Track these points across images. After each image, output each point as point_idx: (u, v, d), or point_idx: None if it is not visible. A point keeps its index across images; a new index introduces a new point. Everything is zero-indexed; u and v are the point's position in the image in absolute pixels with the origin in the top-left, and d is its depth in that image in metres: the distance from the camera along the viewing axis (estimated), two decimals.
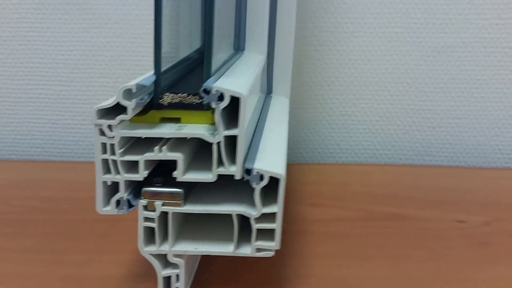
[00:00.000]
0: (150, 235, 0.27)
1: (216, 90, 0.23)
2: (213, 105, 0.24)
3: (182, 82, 0.28)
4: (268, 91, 0.43)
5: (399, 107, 0.54)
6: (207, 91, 0.23)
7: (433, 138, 0.55)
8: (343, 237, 0.36)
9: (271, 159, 0.26)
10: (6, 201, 0.43)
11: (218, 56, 0.28)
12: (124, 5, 0.51)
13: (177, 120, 0.26)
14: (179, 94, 0.25)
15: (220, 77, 0.26)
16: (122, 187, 0.26)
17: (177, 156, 0.25)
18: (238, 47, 0.39)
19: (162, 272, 0.27)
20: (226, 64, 0.31)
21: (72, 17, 0.52)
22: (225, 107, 0.24)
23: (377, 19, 0.51)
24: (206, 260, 0.32)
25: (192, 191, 0.27)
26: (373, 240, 0.36)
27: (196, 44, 0.37)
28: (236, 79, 0.26)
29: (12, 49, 0.53)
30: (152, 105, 0.26)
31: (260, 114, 0.35)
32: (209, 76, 0.25)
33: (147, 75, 0.25)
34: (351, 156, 0.56)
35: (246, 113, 0.24)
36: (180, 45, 0.33)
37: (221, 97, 0.23)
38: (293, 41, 0.43)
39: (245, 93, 0.23)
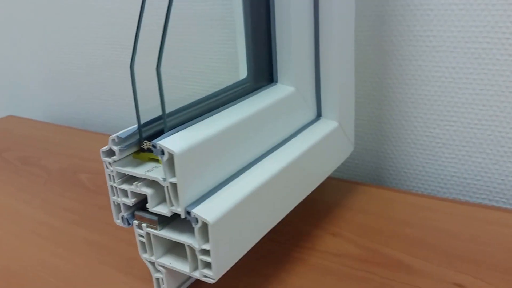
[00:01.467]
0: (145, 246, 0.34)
1: (159, 146, 0.29)
2: (160, 158, 0.29)
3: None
4: (318, 113, 0.45)
5: (488, 134, 0.48)
6: (154, 146, 0.29)
7: None
8: (335, 276, 0.38)
9: (218, 203, 0.30)
10: None
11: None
12: None
13: (158, 161, 0.33)
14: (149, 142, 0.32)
15: (181, 130, 0.31)
16: (122, 208, 0.34)
17: (147, 192, 0.31)
18: (270, 77, 0.42)
19: (154, 275, 0.35)
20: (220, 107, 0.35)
21: None
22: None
23: (462, 32, 0.46)
24: None
25: (176, 219, 0.34)
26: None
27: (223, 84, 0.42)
28: (194, 132, 0.31)
29: None
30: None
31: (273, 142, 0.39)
32: (169, 129, 0.31)
33: (133, 127, 0.32)
34: (437, 181, 0.53)
35: (186, 166, 0.29)
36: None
37: (163, 152, 0.29)
38: (350, 61, 0.44)
39: (179, 151, 0.29)
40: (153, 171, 0.31)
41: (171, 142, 0.29)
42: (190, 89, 0.69)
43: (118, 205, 0.34)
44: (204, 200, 0.31)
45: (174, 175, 0.29)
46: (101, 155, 0.33)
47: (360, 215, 0.46)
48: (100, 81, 0.81)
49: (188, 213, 0.30)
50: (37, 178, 0.61)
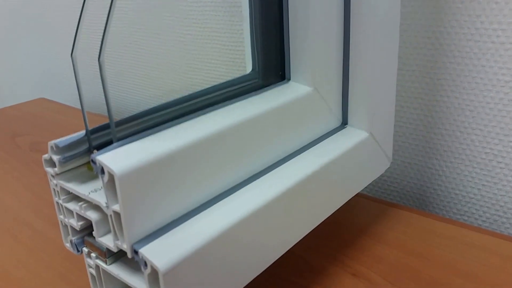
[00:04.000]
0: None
1: (98, 163, 0.21)
2: (99, 177, 0.21)
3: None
4: (343, 121, 0.36)
5: None
6: (94, 162, 0.21)
7: None
8: None
9: (178, 241, 0.22)
10: None
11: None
12: None
13: None
14: None
15: (136, 140, 0.23)
16: (69, 230, 0.26)
17: (91, 217, 0.24)
18: (283, 75, 0.33)
19: None
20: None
21: None
22: None
23: None
24: None
25: None
26: None
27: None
28: (154, 143, 0.23)
29: None
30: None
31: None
32: (111, 142, 0.23)
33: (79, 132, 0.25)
34: (495, 209, 0.42)
35: (134, 191, 0.21)
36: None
37: (103, 170, 0.21)
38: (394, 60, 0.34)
39: (121, 171, 0.20)
40: (101, 191, 0.24)
41: (114, 158, 0.21)
42: (179, 85, 0.62)
43: (66, 226, 0.27)
44: (159, 236, 0.23)
45: (117, 201, 0.21)
46: (44, 164, 0.25)
47: (394, 251, 0.36)
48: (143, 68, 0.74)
49: (136, 252, 0.22)
50: (39, 169, 0.55)
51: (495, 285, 0.32)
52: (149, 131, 0.24)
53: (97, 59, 0.77)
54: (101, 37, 0.75)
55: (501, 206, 0.41)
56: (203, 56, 0.60)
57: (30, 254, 0.39)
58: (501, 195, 0.41)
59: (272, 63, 0.33)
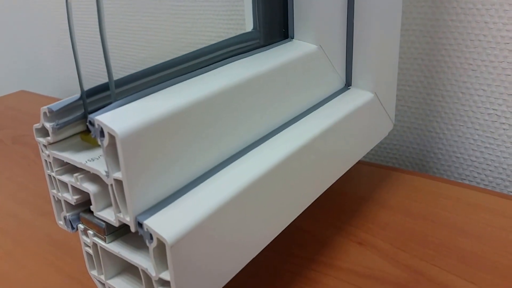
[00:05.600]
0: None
1: (97, 124, 0.19)
2: (98, 142, 0.19)
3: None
4: (347, 82, 0.34)
5: None
6: (92, 124, 0.19)
7: None
8: None
9: (185, 211, 0.20)
10: None
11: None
12: None
13: None
14: None
15: (137, 99, 0.21)
16: (63, 206, 0.24)
17: (89, 189, 0.21)
18: (286, 33, 0.31)
19: None
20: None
21: None
22: None
23: None
24: None
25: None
26: None
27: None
28: (156, 102, 0.21)
29: None
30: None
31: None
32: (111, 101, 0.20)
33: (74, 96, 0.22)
34: (498, 172, 0.41)
35: (138, 155, 0.19)
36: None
37: (103, 132, 0.19)
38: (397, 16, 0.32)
39: (124, 132, 0.18)
40: (99, 160, 0.21)
41: (115, 118, 0.19)
42: (176, 45, 0.59)
43: (60, 201, 0.24)
44: (165, 206, 0.20)
45: (118, 168, 0.19)
46: (35, 133, 0.23)
47: (399, 216, 0.35)
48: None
49: (140, 225, 0.20)
50: (23, 160, 0.52)
51: (502, 246, 0.31)
52: (150, 89, 0.22)
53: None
54: None
55: (504, 168, 0.41)
56: (199, 16, 0.58)
57: (17, 244, 0.36)
58: (504, 157, 0.40)
59: (275, 21, 0.30)
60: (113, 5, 0.65)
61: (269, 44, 0.30)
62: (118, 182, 0.19)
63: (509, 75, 0.38)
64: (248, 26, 0.31)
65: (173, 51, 0.61)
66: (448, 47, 0.40)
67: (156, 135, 0.20)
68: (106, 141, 0.19)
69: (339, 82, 0.33)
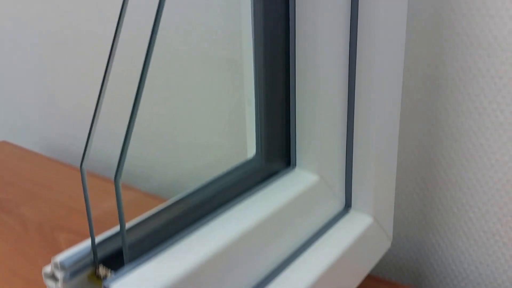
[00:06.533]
0: None
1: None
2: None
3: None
4: (347, 203, 0.35)
5: None
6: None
7: None
8: None
9: None
10: None
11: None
12: None
13: None
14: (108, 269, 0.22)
15: (150, 259, 0.21)
16: None
17: None
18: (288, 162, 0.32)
19: None
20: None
21: None
22: None
23: None
24: None
25: None
26: None
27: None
28: (171, 263, 0.21)
29: None
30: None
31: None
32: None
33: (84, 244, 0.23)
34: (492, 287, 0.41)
35: None
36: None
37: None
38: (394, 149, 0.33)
39: None
40: None
41: (130, 286, 0.19)
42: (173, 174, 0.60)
43: None
44: None
45: None
46: (44, 277, 0.23)
47: None
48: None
49: None
50: (9, 231, 0.52)
51: None
52: (163, 245, 0.22)
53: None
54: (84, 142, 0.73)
55: (498, 285, 0.41)
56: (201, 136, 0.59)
57: None
58: (498, 274, 0.41)
59: (277, 147, 0.31)
60: None
61: (272, 172, 0.31)
62: None
63: (503, 196, 0.39)
64: (250, 152, 0.32)
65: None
66: (444, 164, 0.41)
67: None
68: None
69: (339, 205, 0.34)
